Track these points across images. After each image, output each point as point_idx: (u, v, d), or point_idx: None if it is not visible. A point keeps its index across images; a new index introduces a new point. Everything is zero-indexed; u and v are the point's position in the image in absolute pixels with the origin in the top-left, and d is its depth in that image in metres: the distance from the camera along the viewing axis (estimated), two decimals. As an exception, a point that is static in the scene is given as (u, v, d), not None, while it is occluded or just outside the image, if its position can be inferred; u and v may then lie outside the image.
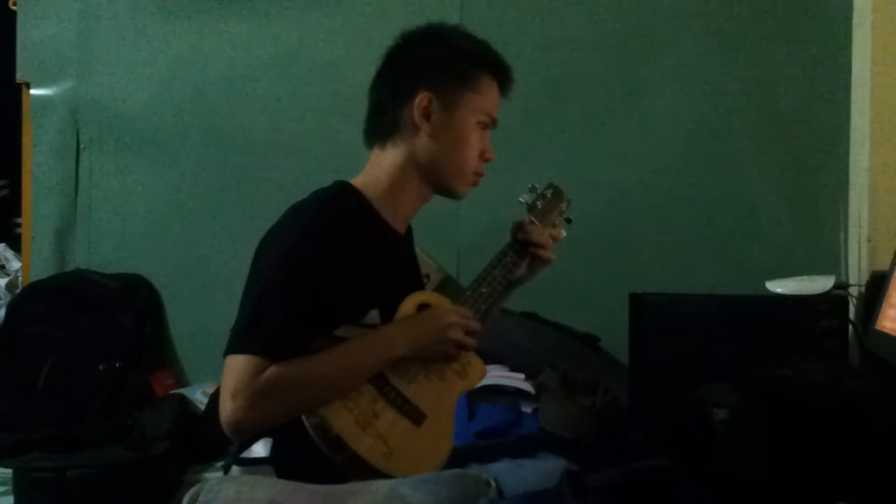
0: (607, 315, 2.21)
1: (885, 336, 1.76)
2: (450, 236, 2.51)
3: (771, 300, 2.02)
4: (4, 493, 1.91)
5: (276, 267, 1.35)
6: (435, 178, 1.48)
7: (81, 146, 2.66)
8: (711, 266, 2.46)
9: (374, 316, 1.38)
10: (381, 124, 1.48)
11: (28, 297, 2.51)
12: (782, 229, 2.50)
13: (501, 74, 1.50)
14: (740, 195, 2.52)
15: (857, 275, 2.31)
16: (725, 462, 1.40)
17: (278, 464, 1.32)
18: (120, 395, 2.36)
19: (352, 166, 1.52)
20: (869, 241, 2.29)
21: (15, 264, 2.91)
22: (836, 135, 2.47)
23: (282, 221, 1.41)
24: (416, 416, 1.36)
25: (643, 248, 2.51)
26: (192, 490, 1.20)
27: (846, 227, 2.44)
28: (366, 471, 1.27)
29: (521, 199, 1.59)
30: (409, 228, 1.56)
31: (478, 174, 1.50)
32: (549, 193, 1.61)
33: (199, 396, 2.35)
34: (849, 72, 2.45)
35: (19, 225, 2.79)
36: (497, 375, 2.11)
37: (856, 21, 2.42)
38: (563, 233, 1.60)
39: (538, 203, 1.59)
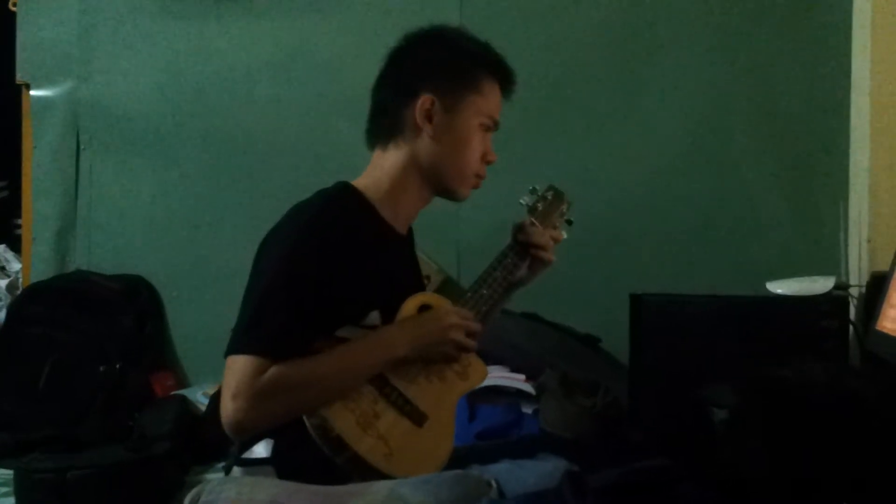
0: (608, 315, 2.21)
1: (886, 336, 1.76)
2: (450, 237, 2.51)
3: (771, 301, 2.02)
4: (6, 494, 1.91)
5: (277, 267, 1.35)
6: (436, 179, 1.48)
7: (81, 147, 2.67)
8: (712, 266, 2.46)
9: (374, 317, 1.38)
10: (383, 125, 1.48)
11: (28, 299, 2.51)
12: (782, 230, 2.50)
13: (504, 77, 1.50)
14: (740, 195, 2.53)
15: (857, 275, 2.31)
16: (726, 462, 1.40)
17: (279, 464, 1.32)
18: (120, 396, 2.36)
19: (352, 166, 1.52)
20: (869, 241, 2.29)
21: (15, 265, 2.91)
22: (836, 135, 2.47)
23: (283, 222, 1.41)
24: (416, 417, 1.36)
25: (643, 249, 2.51)
26: (193, 491, 1.20)
27: (846, 227, 2.44)
28: (366, 471, 1.27)
29: (521, 201, 1.59)
30: (411, 230, 1.56)
31: (479, 176, 1.50)
32: (549, 195, 1.61)
33: (199, 397, 2.35)
34: (849, 72, 2.45)
35: (19, 226, 2.79)
36: (497, 376, 2.11)
37: (856, 21, 2.42)
38: (564, 234, 1.61)
39: (539, 205, 1.59)
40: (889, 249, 2.05)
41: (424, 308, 1.42)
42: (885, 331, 1.77)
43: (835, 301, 1.96)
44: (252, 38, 2.64)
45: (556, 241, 1.57)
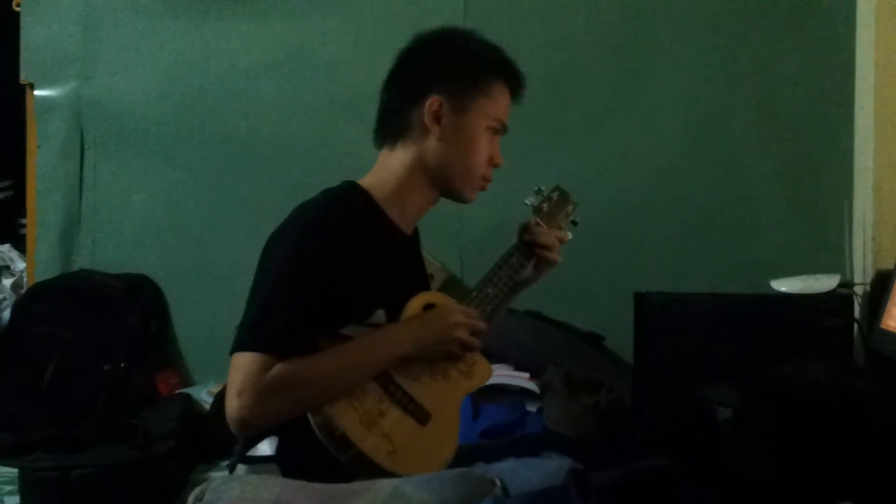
0: (611, 314, 2.21)
1: (890, 335, 1.76)
2: (453, 237, 2.51)
3: (775, 299, 2.02)
4: (10, 493, 1.92)
5: (282, 266, 1.35)
6: (443, 181, 1.48)
7: (85, 146, 2.67)
8: (715, 265, 2.46)
9: (380, 316, 1.38)
10: (391, 125, 1.48)
11: (33, 298, 2.51)
12: (786, 228, 2.50)
13: (514, 80, 1.50)
14: (744, 194, 2.52)
15: (861, 273, 2.31)
16: (729, 461, 1.40)
17: (283, 462, 1.32)
18: (124, 395, 2.37)
19: (354, 166, 1.52)
20: (873, 239, 2.29)
21: (19, 265, 2.91)
22: (840, 133, 2.46)
23: (289, 220, 1.41)
24: (421, 416, 1.36)
25: (647, 248, 2.51)
26: (198, 489, 1.20)
27: (850, 225, 2.44)
28: (371, 470, 1.27)
29: (527, 202, 1.59)
30: (416, 230, 1.57)
31: (486, 179, 1.50)
32: (555, 196, 1.61)
33: (203, 396, 2.35)
34: (852, 70, 2.44)
35: (24, 225, 2.79)
36: (501, 374, 2.11)
37: (859, 19, 2.42)
38: (570, 235, 1.61)
39: (544, 205, 1.59)
40: (894, 247, 2.05)
41: (429, 307, 1.42)
42: (889, 329, 1.77)
43: (839, 299, 1.96)
44: (254, 38, 2.64)
45: (561, 241, 1.58)
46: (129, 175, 2.66)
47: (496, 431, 1.90)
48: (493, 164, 1.50)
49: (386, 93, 1.51)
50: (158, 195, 2.66)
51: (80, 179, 2.67)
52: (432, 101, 1.44)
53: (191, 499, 1.19)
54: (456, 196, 1.51)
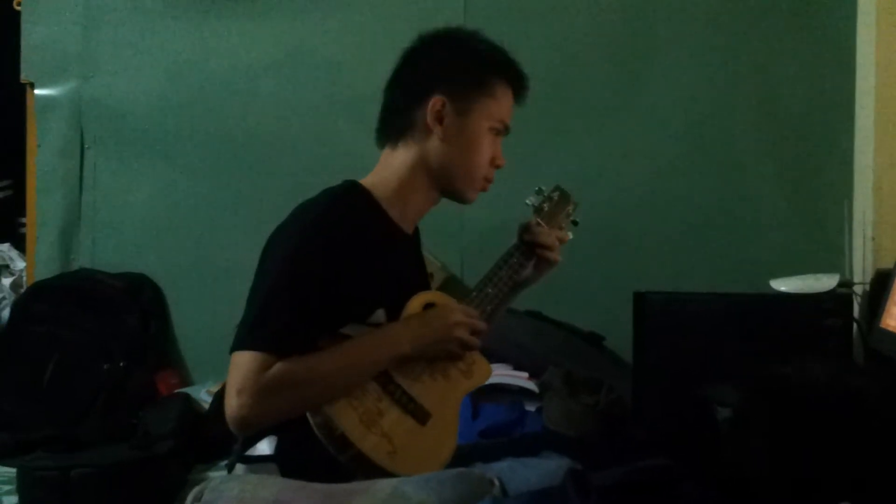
0: (611, 314, 2.21)
1: (890, 334, 1.76)
2: (454, 236, 2.51)
3: (775, 298, 2.02)
4: (8, 493, 1.92)
5: (283, 265, 1.35)
6: (444, 181, 1.48)
7: (85, 146, 2.67)
8: (715, 265, 2.46)
9: (380, 315, 1.38)
10: (394, 124, 1.48)
11: (32, 297, 2.51)
12: (786, 228, 2.50)
13: (517, 82, 1.50)
14: (744, 194, 2.52)
15: (861, 273, 2.31)
16: (729, 461, 1.40)
17: (283, 462, 1.32)
18: (124, 395, 2.37)
19: (353, 165, 1.52)
20: (873, 239, 2.29)
21: (19, 264, 2.91)
22: (840, 133, 2.46)
23: (289, 220, 1.41)
24: (420, 415, 1.36)
25: (647, 247, 2.51)
26: (196, 489, 1.20)
27: (850, 225, 2.44)
28: (370, 469, 1.27)
29: (527, 202, 1.59)
30: (417, 229, 1.57)
31: (487, 180, 1.50)
32: (555, 196, 1.61)
33: (203, 395, 2.35)
34: (853, 70, 2.44)
35: (23, 224, 2.79)
36: (501, 374, 2.11)
37: (860, 19, 2.42)
38: (570, 235, 1.61)
39: (545, 205, 1.59)
40: (893, 247, 2.05)
41: (429, 306, 1.42)
42: (888, 328, 1.77)
43: (839, 299, 1.96)
44: (254, 38, 2.64)
45: (561, 241, 1.58)
46: (129, 174, 2.66)
47: (495, 431, 1.90)
48: (494, 165, 1.50)
49: (389, 92, 1.51)
50: (158, 195, 2.66)
51: (80, 179, 2.67)
52: (435, 102, 1.44)
53: (190, 498, 1.19)
54: (457, 197, 1.51)
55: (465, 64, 1.47)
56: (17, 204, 2.89)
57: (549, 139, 2.52)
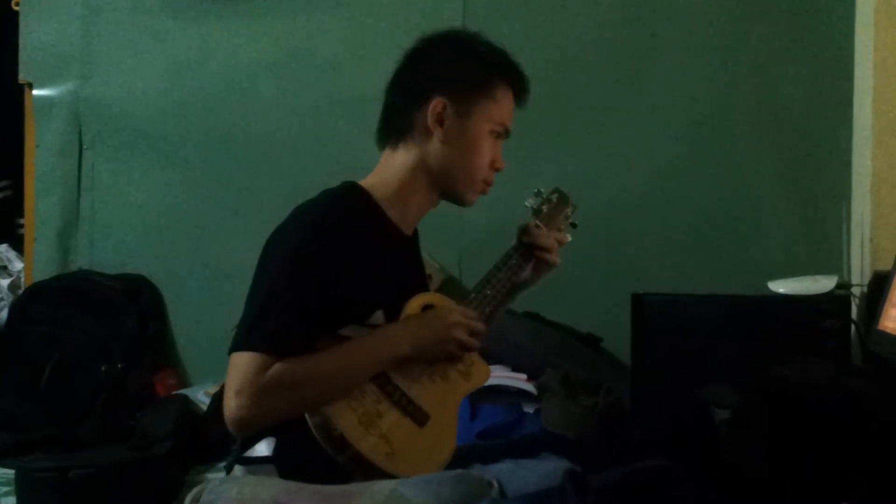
0: (609, 315, 2.21)
1: (888, 336, 1.76)
2: (453, 238, 2.51)
3: (773, 300, 2.02)
4: (6, 494, 1.92)
5: (282, 266, 1.35)
6: (444, 183, 1.48)
7: (84, 146, 2.67)
8: (713, 266, 2.45)
9: (379, 316, 1.38)
10: (394, 126, 1.48)
11: (31, 298, 2.51)
12: (784, 229, 2.50)
13: (518, 84, 1.50)
14: (742, 195, 2.52)
15: (859, 275, 2.31)
16: (728, 462, 1.40)
17: (281, 463, 1.32)
18: (122, 396, 2.37)
19: (353, 166, 1.52)
20: (871, 241, 2.28)
21: (17, 265, 2.91)
22: (839, 134, 2.46)
23: (289, 221, 1.41)
24: (419, 417, 1.36)
25: (645, 249, 2.51)
26: (195, 490, 1.20)
27: (848, 226, 2.44)
28: (369, 471, 1.27)
29: (526, 203, 1.59)
30: (416, 231, 1.57)
31: (487, 183, 1.51)
32: (554, 198, 1.61)
33: (201, 397, 2.35)
34: (851, 71, 2.44)
35: (22, 225, 2.79)
36: (499, 376, 2.10)
37: (859, 19, 2.42)
38: (569, 237, 1.61)
39: (544, 207, 1.59)
40: (891, 249, 2.05)
41: (428, 307, 1.42)
42: (887, 330, 1.77)
43: (837, 300, 1.96)
44: (254, 38, 2.64)
45: (560, 243, 1.58)
46: (127, 175, 2.66)
47: (494, 432, 1.90)
48: (494, 168, 1.50)
49: (390, 93, 1.51)
50: (157, 195, 2.65)
51: (79, 179, 2.67)
52: (436, 104, 1.44)
53: (188, 499, 1.19)
54: (457, 199, 1.51)
55: (467, 66, 1.47)
56: (16, 204, 2.88)
57: (548, 140, 2.52)
